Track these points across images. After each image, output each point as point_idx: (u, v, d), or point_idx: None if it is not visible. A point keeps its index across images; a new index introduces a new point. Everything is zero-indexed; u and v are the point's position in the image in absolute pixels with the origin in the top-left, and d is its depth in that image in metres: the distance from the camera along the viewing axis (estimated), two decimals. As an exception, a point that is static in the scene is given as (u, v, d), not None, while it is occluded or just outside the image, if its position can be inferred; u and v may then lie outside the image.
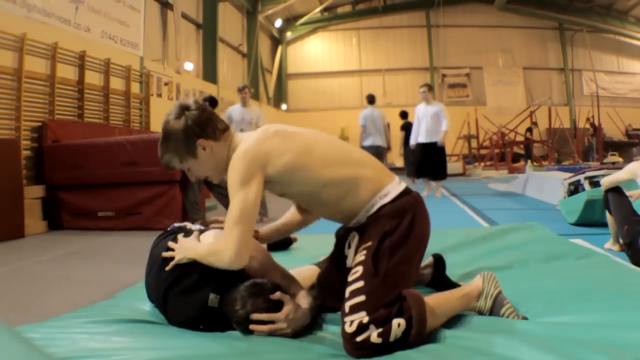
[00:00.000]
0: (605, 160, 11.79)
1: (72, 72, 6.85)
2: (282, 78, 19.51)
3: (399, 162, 12.94)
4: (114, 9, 7.84)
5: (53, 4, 6.39)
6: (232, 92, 14.53)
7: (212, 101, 6.02)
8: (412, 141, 7.62)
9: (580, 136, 14.73)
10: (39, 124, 6.06)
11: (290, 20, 19.07)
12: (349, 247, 1.68)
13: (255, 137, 1.62)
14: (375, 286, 1.47)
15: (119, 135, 6.57)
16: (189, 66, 11.51)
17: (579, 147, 14.31)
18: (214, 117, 1.67)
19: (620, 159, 11.87)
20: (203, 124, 1.63)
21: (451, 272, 2.02)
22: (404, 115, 10.80)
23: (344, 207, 1.66)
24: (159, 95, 9.65)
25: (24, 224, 5.15)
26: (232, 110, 6.01)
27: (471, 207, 5.93)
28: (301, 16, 18.93)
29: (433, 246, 2.71)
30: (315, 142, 1.66)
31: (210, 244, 1.62)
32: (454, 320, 1.57)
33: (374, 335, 1.38)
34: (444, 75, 19.26)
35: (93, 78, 7.29)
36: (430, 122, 7.26)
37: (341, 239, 1.78)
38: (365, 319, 1.39)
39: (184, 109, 1.64)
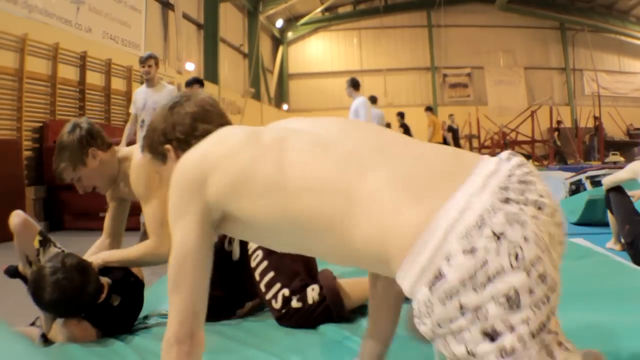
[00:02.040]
0: (606, 160, 11.79)
1: (73, 72, 6.85)
2: (283, 78, 19.51)
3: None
4: (115, 10, 7.85)
5: (54, 5, 6.40)
6: (233, 92, 14.55)
7: (200, 82, 5.01)
8: None
9: (582, 136, 14.72)
10: (40, 124, 6.06)
11: (292, 21, 19.06)
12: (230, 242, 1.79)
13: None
14: (277, 260, 1.66)
15: (120, 136, 6.56)
16: (190, 66, 11.51)
17: (580, 146, 14.30)
18: (102, 132, 1.87)
19: (622, 159, 11.87)
20: (94, 134, 1.81)
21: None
22: (401, 115, 10.93)
23: None
24: (160, 96, 9.64)
25: (25, 224, 5.15)
26: (135, 94, 4.46)
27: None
28: (302, 16, 18.92)
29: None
30: None
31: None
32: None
33: (294, 302, 1.59)
34: (445, 75, 19.23)
35: (94, 78, 7.29)
36: None
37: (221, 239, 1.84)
38: (287, 292, 1.61)
39: (76, 125, 1.82)
